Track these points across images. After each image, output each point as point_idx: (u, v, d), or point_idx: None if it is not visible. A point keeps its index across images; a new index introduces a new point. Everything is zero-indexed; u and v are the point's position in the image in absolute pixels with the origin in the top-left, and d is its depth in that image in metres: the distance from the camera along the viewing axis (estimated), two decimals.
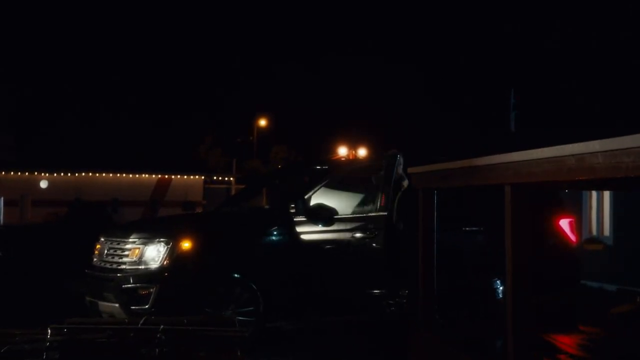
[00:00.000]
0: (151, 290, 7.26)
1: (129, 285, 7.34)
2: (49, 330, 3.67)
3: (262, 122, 35.55)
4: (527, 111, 21.44)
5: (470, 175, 4.46)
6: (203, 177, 32.38)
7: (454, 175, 4.78)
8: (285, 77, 46.19)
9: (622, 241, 14.42)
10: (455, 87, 35.29)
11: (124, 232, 7.87)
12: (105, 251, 7.76)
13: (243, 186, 24.43)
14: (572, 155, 3.27)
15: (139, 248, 7.46)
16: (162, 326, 3.65)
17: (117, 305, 7.33)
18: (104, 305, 7.50)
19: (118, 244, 7.68)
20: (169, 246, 7.37)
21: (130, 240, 7.57)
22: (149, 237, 7.52)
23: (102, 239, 7.97)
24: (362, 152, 34.71)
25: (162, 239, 7.43)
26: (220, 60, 47.04)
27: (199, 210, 31.35)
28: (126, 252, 7.53)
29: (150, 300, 7.22)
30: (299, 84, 44.65)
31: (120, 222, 26.01)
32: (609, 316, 6.34)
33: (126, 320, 4.37)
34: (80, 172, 30.11)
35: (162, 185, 31.58)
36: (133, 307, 7.22)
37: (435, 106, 37.07)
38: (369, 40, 52.61)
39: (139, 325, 3.99)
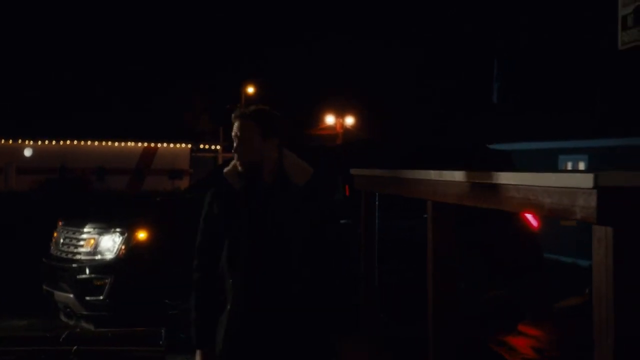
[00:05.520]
0: (106, 281, 7.23)
1: (84, 276, 7.30)
2: None
3: (250, 90, 35.28)
4: (511, 82, 21.29)
5: (400, 185, 4.41)
6: (190, 146, 32.28)
7: (387, 183, 4.73)
8: (274, 44, 45.77)
9: None
10: (438, 55, 35.04)
11: (80, 221, 7.80)
12: (62, 240, 7.71)
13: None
14: (486, 182, 3.09)
15: (94, 238, 7.41)
16: (75, 347, 3.62)
17: (71, 295, 7.31)
18: (59, 295, 7.48)
19: (74, 233, 7.62)
20: (125, 236, 7.31)
21: (86, 230, 7.50)
22: (104, 227, 7.45)
23: (60, 227, 7.91)
24: (349, 120, 34.74)
25: (117, 229, 7.37)
26: (209, 27, 46.54)
27: (186, 178, 31.38)
28: (81, 242, 7.47)
29: (105, 291, 7.19)
30: (288, 51, 44.28)
31: (106, 191, 25.99)
32: (555, 311, 6.33)
33: (47, 335, 4.35)
34: (65, 140, 29.95)
35: (147, 154, 31.47)
36: (88, 298, 7.20)
37: (419, 75, 36.88)
38: (355, 11, 52.14)
39: (60, 340, 3.95)
